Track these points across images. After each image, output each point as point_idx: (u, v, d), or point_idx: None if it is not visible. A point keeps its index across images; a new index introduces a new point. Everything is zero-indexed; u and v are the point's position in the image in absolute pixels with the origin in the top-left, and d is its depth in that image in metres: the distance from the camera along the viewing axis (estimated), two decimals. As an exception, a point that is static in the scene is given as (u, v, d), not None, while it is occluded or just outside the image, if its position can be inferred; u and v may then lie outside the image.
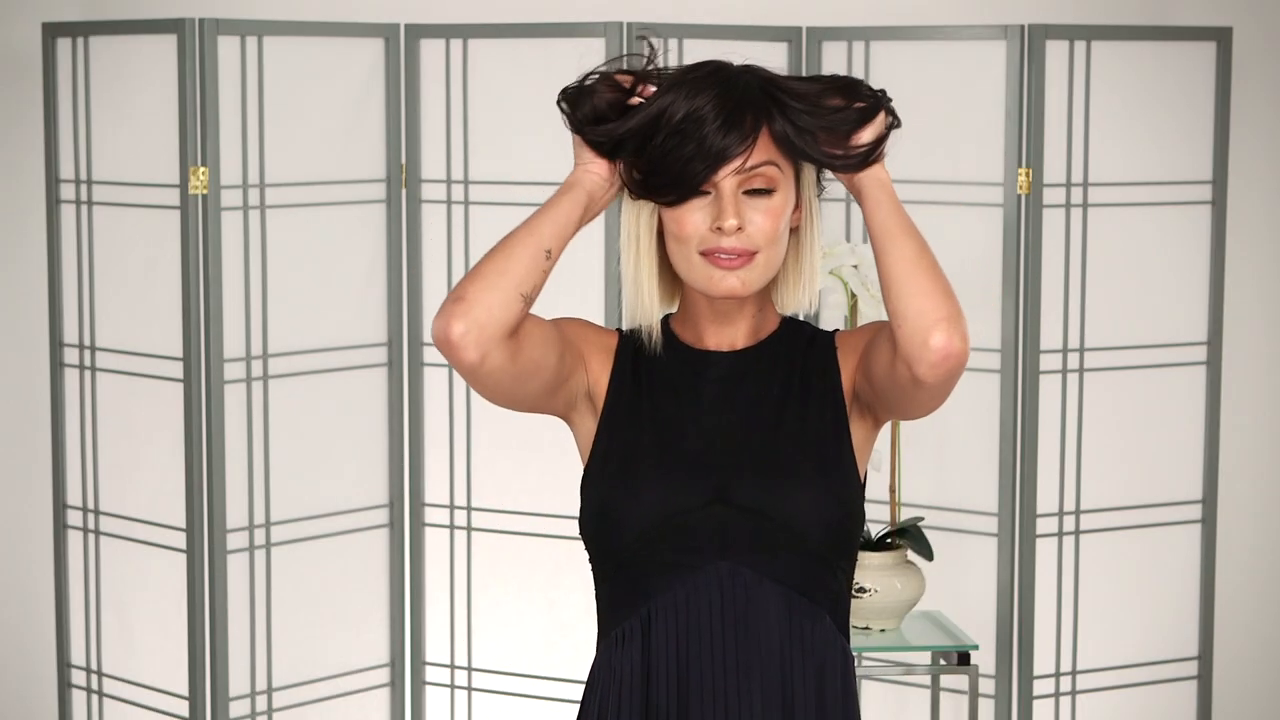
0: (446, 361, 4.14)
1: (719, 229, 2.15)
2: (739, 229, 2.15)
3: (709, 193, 2.17)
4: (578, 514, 2.25)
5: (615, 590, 2.21)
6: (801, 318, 2.36)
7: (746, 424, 2.22)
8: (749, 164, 2.15)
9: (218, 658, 3.95)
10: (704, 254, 2.17)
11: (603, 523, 2.20)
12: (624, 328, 2.30)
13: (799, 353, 2.26)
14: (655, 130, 2.15)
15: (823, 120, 2.15)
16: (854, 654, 3.97)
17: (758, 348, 2.26)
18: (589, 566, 2.26)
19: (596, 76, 2.20)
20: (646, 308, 2.25)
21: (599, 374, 2.27)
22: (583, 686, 2.31)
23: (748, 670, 2.16)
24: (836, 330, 2.31)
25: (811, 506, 2.17)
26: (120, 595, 4.12)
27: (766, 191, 2.17)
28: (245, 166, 3.93)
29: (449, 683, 4.24)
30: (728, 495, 2.17)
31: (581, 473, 2.25)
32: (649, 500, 2.17)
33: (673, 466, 2.19)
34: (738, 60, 2.23)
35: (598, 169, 2.21)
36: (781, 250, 2.21)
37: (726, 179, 2.15)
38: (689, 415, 2.23)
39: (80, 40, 4.05)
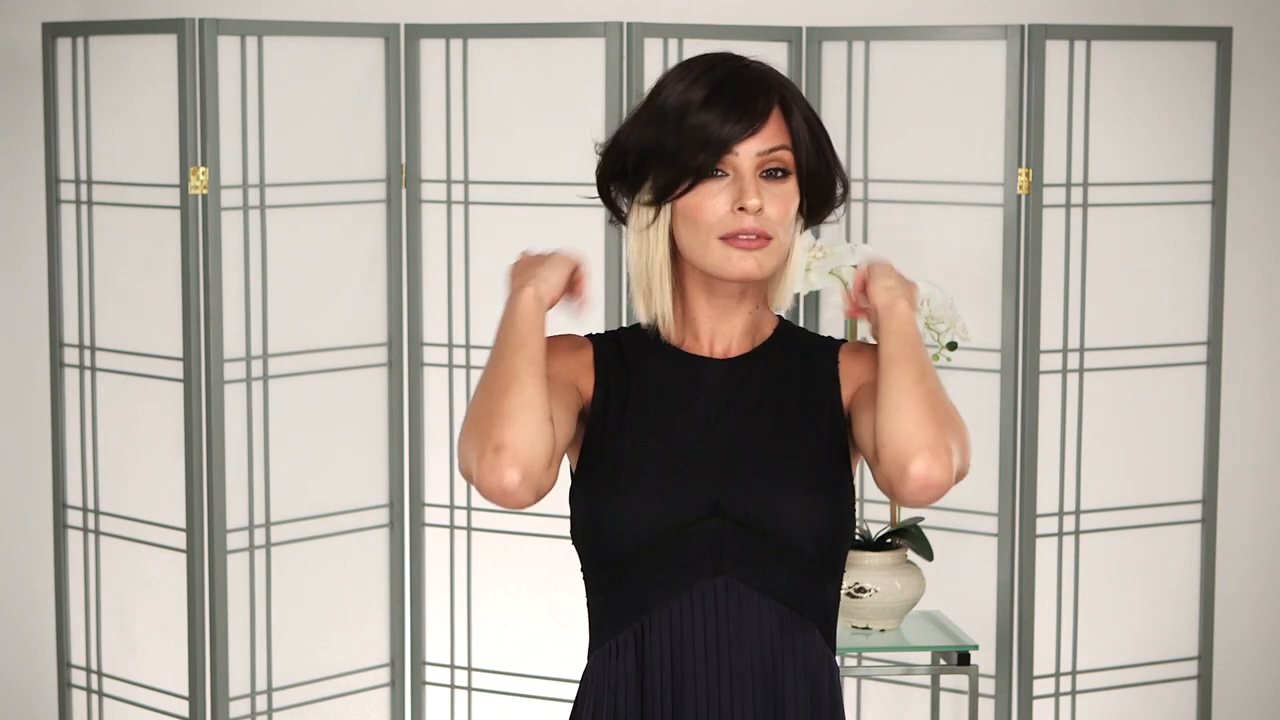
0: (443, 361, 4.16)
1: (741, 209, 2.13)
2: (760, 209, 2.14)
3: (725, 174, 2.14)
4: (569, 524, 2.23)
5: (609, 602, 2.19)
6: (785, 315, 2.34)
7: (742, 434, 2.19)
8: (767, 145, 2.14)
9: (218, 658, 3.95)
10: (724, 238, 2.14)
11: (596, 536, 2.17)
12: (642, 323, 2.26)
13: (796, 361, 2.24)
14: (662, 132, 2.15)
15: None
16: (854, 654, 3.99)
17: (753, 355, 2.24)
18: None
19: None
20: (660, 298, 2.22)
21: (588, 391, 2.24)
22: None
23: (740, 683, 2.16)
24: (844, 341, 2.29)
25: (806, 520, 2.15)
26: (120, 595, 4.12)
27: (783, 175, 2.16)
28: (245, 166, 3.93)
29: (449, 683, 4.24)
30: (722, 508, 2.15)
31: (570, 481, 2.23)
32: (644, 514, 2.15)
33: (668, 478, 2.16)
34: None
35: (550, 288, 2.17)
36: (791, 240, 2.20)
37: (745, 159, 2.13)
38: (682, 424, 2.20)
39: (80, 40, 4.05)
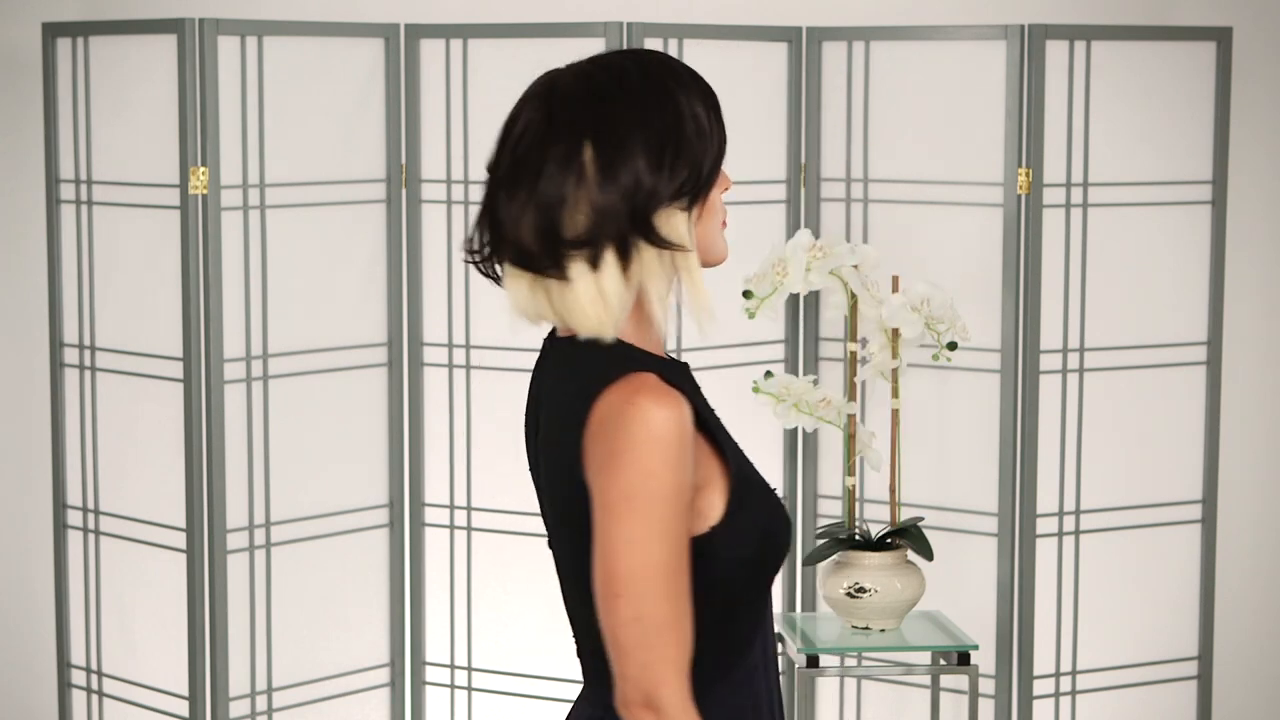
0: (443, 361, 4.16)
1: (726, 189, 2.10)
2: None
3: None
4: (724, 546, 2.02)
5: (740, 619, 2.07)
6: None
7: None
8: None
9: (218, 658, 3.95)
10: (723, 223, 2.09)
11: (779, 551, 2.07)
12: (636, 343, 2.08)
13: None
14: (714, 140, 2.05)
15: None
16: (854, 654, 3.99)
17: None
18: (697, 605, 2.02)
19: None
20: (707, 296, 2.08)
21: (698, 450, 2.02)
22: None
23: (777, 682, 2.17)
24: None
25: None
26: (120, 595, 4.12)
27: None
28: (245, 166, 3.93)
29: (449, 683, 4.24)
30: None
31: (723, 517, 2.03)
32: (786, 518, 2.11)
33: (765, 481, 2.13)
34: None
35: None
36: None
37: None
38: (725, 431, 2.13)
39: (80, 40, 4.05)
